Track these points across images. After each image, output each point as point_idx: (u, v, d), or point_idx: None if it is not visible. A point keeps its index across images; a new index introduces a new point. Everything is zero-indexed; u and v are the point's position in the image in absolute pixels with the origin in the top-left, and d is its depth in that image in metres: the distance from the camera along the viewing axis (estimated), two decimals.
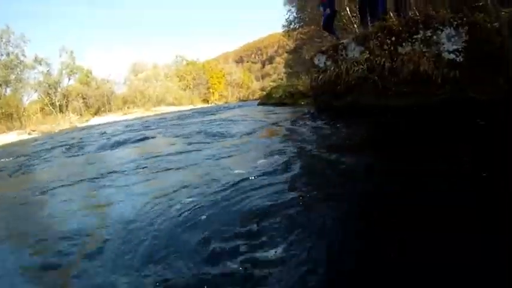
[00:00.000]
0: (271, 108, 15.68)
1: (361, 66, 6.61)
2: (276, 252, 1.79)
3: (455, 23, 5.22)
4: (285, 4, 30.56)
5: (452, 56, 5.18)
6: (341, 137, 5.00)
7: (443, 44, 5.32)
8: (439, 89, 5.25)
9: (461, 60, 5.10)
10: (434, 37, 5.43)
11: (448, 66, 5.19)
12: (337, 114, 7.32)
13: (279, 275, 1.57)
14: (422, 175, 2.66)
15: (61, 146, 9.77)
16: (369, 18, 7.61)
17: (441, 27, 5.35)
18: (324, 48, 8.02)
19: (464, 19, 5.18)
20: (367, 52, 6.59)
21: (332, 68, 7.48)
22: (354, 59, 6.87)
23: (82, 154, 7.61)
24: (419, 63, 5.51)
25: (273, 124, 7.86)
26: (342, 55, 7.30)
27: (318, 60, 8.02)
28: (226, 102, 64.47)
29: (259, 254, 1.78)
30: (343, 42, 7.38)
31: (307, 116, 8.40)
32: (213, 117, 12.62)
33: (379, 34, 6.39)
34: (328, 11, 8.76)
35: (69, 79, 58.22)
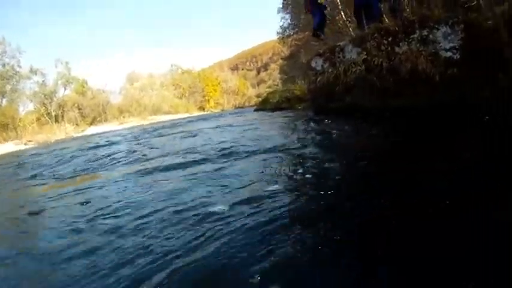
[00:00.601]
0: (269, 113, 15.71)
1: (359, 67, 6.69)
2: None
3: (451, 21, 5.32)
4: (278, 12, 30.75)
5: (449, 53, 5.29)
6: (348, 139, 5.01)
7: (439, 43, 5.42)
8: (438, 87, 5.33)
9: (458, 57, 5.20)
10: (431, 36, 5.53)
11: (445, 64, 5.28)
12: (336, 115, 7.37)
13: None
14: (436, 178, 2.57)
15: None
16: (364, 22, 7.70)
17: (437, 26, 5.45)
18: (321, 51, 8.09)
19: (460, 17, 5.31)
20: (365, 53, 6.66)
21: (330, 70, 7.56)
22: (351, 61, 6.95)
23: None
24: (417, 63, 5.60)
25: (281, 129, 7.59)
26: (339, 57, 7.36)
27: (315, 63, 8.10)
28: (222, 110, 64.52)
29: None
30: (339, 45, 7.47)
31: (307, 119, 8.41)
32: (213, 123, 12.18)
33: (375, 35, 6.47)
34: (317, 18, 8.92)
35: (65, 89, 58.43)
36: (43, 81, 54.90)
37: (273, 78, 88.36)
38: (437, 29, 5.44)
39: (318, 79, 7.91)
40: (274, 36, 35.94)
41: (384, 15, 7.61)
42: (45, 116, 53.00)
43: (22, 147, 30.62)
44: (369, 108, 6.50)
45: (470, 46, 5.14)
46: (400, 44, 5.96)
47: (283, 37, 33.77)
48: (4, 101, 50.13)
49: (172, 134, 10.96)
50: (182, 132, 10.92)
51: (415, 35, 5.74)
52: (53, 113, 53.75)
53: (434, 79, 5.36)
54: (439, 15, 5.57)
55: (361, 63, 6.65)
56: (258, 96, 72.77)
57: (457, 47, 5.23)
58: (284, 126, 7.58)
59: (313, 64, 8.19)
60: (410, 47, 5.79)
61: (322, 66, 7.88)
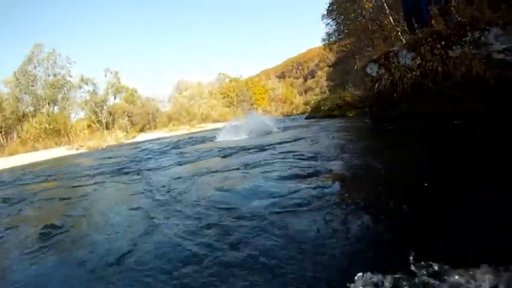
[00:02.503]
0: (323, 121, 15.50)
1: (414, 73, 6.94)
2: None
3: (501, 21, 5.47)
4: (323, 18, 30.84)
5: (501, 55, 5.45)
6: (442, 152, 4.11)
7: (491, 45, 5.59)
8: (493, 90, 5.45)
9: (511, 59, 5.33)
10: (482, 38, 5.72)
11: (499, 66, 5.43)
12: (397, 123, 7.50)
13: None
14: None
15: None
16: (415, 25, 7.83)
17: (488, 28, 5.63)
18: (375, 57, 8.28)
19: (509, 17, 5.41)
20: (419, 58, 6.89)
21: (386, 76, 7.75)
22: (406, 66, 7.20)
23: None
24: (471, 66, 5.79)
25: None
26: (393, 63, 7.59)
27: (371, 69, 8.33)
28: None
29: None
30: (393, 50, 7.64)
31: (371, 127, 8.48)
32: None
33: (429, 39, 6.71)
34: None
35: (115, 98, 61.26)
36: (93, 90, 58.05)
37: (320, 86, 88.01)
38: (489, 31, 5.61)
39: (376, 85, 8.08)
40: (319, 43, 36.01)
41: (433, 19, 7.69)
42: (95, 123, 55.87)
43: (74, 151, 32.55)
44: (427, 114, 6.70)
45: None
46: (454, 47, 6.17)
47: (328, 43, 33.80)
48: (56, 108, 53.42)
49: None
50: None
51: (468, 38, 5.94)
52: (104, 120, 56.58)
53: (488, 82, 5.49)
54: (489, 15, 5.72)
55: (416, 69, 6.90)
56: (306, 103, 72.78)
57: (510, 48, 5.35)
58: (352, 139, 6.96)
59: (368, 70, 8.40)
60: (463, 50, 5.98)
61: (377, 72, 8.10)
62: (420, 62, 6.83)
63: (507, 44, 5.40)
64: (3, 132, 46.39)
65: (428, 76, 6.62)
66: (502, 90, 5.31)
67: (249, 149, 7.20)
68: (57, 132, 47.57)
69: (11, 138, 46.97)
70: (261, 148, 6.97)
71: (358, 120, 10.73)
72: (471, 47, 5.87)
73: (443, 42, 6.38)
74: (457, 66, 6.04)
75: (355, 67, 13.75)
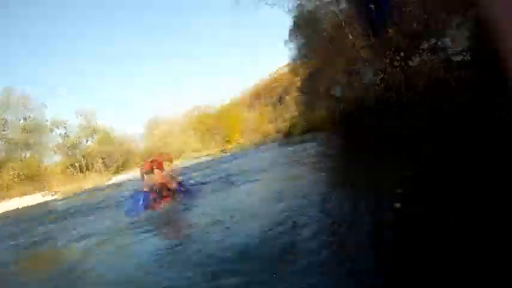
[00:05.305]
0: (298, 146, 14.68)
1: (377, 87, 6.99)
2: None
3: (455, 23, 5.52)
4: (286, 44, 30.25)
5: (459, 57, 5.47)
6: None
7: (449, 48, 5.64)
8: (456, 91, 5.37)
9: (469, 59, 5.35)
10: (439, 43, 5.78)
11: (458, 68, 5.43)
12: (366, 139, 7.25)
13: None
14: None
15: None
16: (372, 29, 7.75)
17: (443, 31, 5.70)
18: (338, 78, 8.23)
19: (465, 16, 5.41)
20: (381, 72, 6.95)
21: (349, 96, 7.79)
22: (369, 82, 7.22)
23: None
24: (430, 72, 5.80)
25: None
26: (356, 82, 7.64)
27: (334, 90, 8.23)
28: (242, 149, 64.59)
29: None
30: (354, 68, 7.65)
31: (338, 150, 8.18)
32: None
33: (388, 53, 6.69)
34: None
35: (87, 141, 60.24)
36: (65, 133, 56.85)
37: (290, 111, 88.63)
38: (444, 35, 5.71)
39: (341, 106, 8.12)
40: (286, 63, 35.92)
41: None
42: (69, 167, 54.54)
43: (49, 198, 31.65)
44: (394, 128, 6.56)
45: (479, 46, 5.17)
46: (412, 57, 6.24)
47: (293, 67, 33.61)
48: (28, 153, 52.08)
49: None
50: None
51: (425, 46, 6.02)
52: (77, 164, 55.34)
53: (450, 84, 5.44)
54: (443, 18, 5.78)
55: (379, 83, 6.88)
56: (277, 131, 73.17)
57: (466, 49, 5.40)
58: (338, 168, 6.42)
59: (332, 92, 8.33)
60: (422, 58, 6.06)
61: (341, 92, 8.05)
62: (382, 76, 6.83)
63: (463, 45, 5.42)
64: None
65: (391, 89, 6.65)
66: (463, 89, 5.23)
67: None
68: (30, 178, 46.25)
69: None
70: None
71: (328, 143, 10.52)
72: (429, 54, 5.92)
73: (402, 54, 6.41)
74: (418, 74, 6.05)
75: (320, 89, 13.75)
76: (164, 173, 5.31)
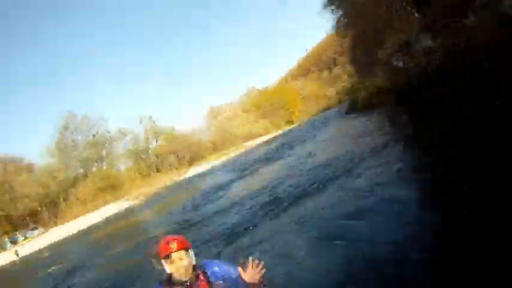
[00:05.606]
0: (367, 118, 13.25)
1: (438, 53, 6.73)
2: None
3: None
4: (325, 6, 28.49)
5: None
6: None
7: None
8: None
9: None
10: None
11: None
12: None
13: None
14: None
15: None
16: None
17: None
18: (396, 48, 8.06)
19: None
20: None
21: (412, 65, 7.64)
22: (427, 49, 7.03)
23: None
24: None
25: None
26: (413, 50, 7.56)
27: (396, 60, 8.07)
28: (310, 118, 64.16)
29: None
30: (411, 36, 7.45)
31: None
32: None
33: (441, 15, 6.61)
34: None
35: (156, 141, 63.17)
36: (133, 138, 60.39)
37: (346, 72, 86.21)
38: None
39: (404, 75, 8.03)
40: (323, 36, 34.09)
41: None
42: (144, 169, 57.73)
43: (132, 202, 33.73)
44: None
45: None
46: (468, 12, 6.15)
47: (338, 31, 32.11)
48: (103, 164, 55.97)
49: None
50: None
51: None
52: (152, 164, 58.51)
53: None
54: None
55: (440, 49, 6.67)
56: (337, 93, 71.60)
57: None
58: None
59: (394, 62, 8.18)
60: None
61: (402, 61, 8.10)
62: (440, 40, 6.61)
63: None
64: (61, 198, 48.42)
65: (451, 55, 6.31)
66: None
67: None
68: (110, 187, 49.42)
69: (68, 201, 48.91)
70: None
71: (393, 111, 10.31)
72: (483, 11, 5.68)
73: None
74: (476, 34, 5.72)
75: (378, 54, 13.33)
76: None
